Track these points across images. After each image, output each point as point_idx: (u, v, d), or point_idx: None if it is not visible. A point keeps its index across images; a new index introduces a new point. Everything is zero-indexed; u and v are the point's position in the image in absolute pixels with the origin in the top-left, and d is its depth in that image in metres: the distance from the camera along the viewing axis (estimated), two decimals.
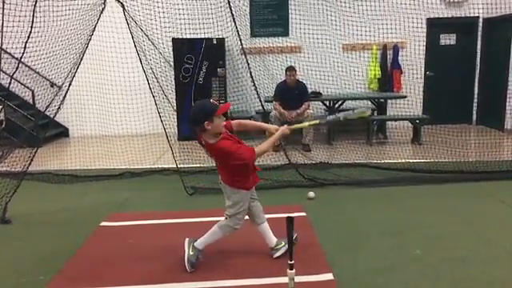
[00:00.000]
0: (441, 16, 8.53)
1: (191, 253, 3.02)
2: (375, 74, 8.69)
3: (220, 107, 2.79)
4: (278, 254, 3.13)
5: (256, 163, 3.10)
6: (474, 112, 8.93)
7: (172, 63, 7.84)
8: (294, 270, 2.47)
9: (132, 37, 5.26)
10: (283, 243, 3.11)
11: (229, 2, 4.97)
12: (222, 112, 2.81)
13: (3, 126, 7.21)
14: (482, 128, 8.45)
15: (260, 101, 5.60)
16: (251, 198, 3.08)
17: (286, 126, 3.05)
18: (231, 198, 2.99)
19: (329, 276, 2.89)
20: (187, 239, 3.11)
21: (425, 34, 8.56)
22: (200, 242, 3.07)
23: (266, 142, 2.95)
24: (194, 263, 3.01)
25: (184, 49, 7.71)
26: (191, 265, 2.99)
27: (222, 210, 3.10)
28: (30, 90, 7.80)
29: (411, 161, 6.01)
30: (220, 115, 2.80)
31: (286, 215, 2.46)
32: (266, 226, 3.17)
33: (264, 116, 7.88)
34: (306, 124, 3.49)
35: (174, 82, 7.85)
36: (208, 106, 2.79)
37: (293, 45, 8.59)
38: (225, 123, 2.91)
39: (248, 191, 3.01)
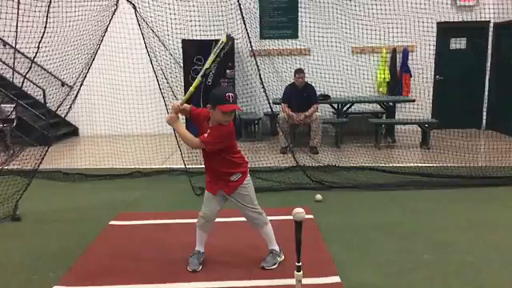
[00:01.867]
0: (451, 20, 8.49)
1: (190, 257, 3.10)
2: (384, 78, 8.66)
3: (223, 106, 2.74)
4: (265, 264, 3.07)
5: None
6: (484, 117, 8.87)
7: (181, 64, 7.89)
8: (301, 272, 2.49)
9: (143, 38, 5.32)
10: (273, 257, 3.09)
11: (239, 4, 5.00)
12: (223, 111, 2.75)
13: (15, 124, 7.30)
14: (492, 133, 8.38)
15: (269, 103, 5.62)
16: (242, 206, 3.03)
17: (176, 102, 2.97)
18: None
19: (336, 279, 2.90)
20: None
21: (435, 38, 8.52)
22: (196, 245, 3.13)
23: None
24: (196, 263, 3.05)
25: (193, 50, 7.76)
26: (191, 265, 3.04)
27: (229, 210, 3.13)
28: (42, 89, 7.89)
29: (419, 165, 5.99)
30: (224, 112, 2.76)
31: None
32: (260, 232, 3.12)
33: (272, 118, 7.91)
34: (191, 89, 3.07)
35: (183, 83, 7.90)
36: (218, 96, 2.78)
37: (302, 47, 8.60)
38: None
39: (208, 193, 3.05)
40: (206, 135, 2.84)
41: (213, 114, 2.83)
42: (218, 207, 3.06)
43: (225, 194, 3.02)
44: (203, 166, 3.09)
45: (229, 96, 2.76)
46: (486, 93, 8.82)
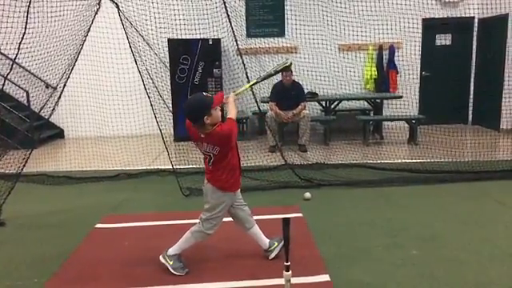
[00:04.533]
0: (436, 16, 8.55)
1: (170, 262, 3.00)
2: (371, 75, 8.69)
3: (215, 100, 2.77)
4: (273, 254, 3.12)
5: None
6: (470, 112, 8.96)
7: (167, 64, 7.82)
8: (290, 272, 2.46)
9: (127, 37, 5.24)
10: (276, 243, 3.11)
11: (224, 3, 4.96)
12: (218, 104, 2.78)
13: None
14: (478, 128, 8.47)
15: (256, 101, 5.59)
16: (238, 205, 3.04)
17: (231, 94, 3.03)
18: (211, 201, 2.94)
19: (325, 277, 2.88)
20: (160, 256, 3.06)
21: (420, 35, 8.57)
22: (172, 249, 3.03)
23: (230, 110, 2.96)
24: (181, 266, 2.99)
25: (180, 49, 7.70)
26: (180, 269, 2.98)
27: None
28: (25, 90, 7.75)
29: (407, 161, 6.02)
30: (219, 104, 2.79)
31: (282, 216, 2.45)
32: (256, 229, 3.14)
33: (260, 116, 7.88)
34: (246, 86, 3.22)
35: (169, 83, 7.83)
36: (204, 101, 2.75)
37: (289, 45, 8.58)
38: None
39: (232, 194, 2.97)
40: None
41: (209, 120, 2.74)
42: None
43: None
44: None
45: (207, 94, 2.84)
46: (472, 88, 8.90)
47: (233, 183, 2.95)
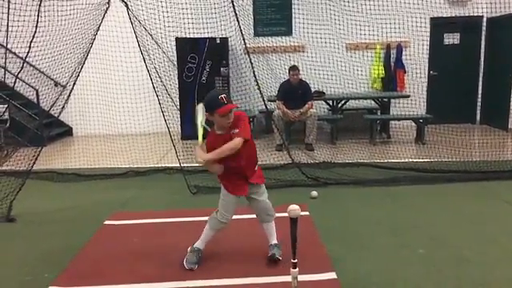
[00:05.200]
0: (444, 15, 8.50)
1: (190, 252, 3.08)
2: (379, 74, 8.67)
3: (220, 108, 2.75)
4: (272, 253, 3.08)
5: (259, 163, 3.11)
6: (478, 111, 8.90)
7: (175, 62, 7.86)
8: (297, 269, 2.49)
9: (136, 36, 5.28)
10: (278, 251, 3.08)
11: (232, 2, 4.97)
12: (221, 113, 2.76)
13: (8, 125, 7.25)
14: (486, 128, 8.42)
15: (263, 100, 5.61)
16: (252, 198, 3.06)
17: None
18: (220, 194, 3.05)
19: (332, 275, 2.89)
20: (190, 248, 3.14)
21: (428, 34, 8.54)
22: (197, 243, 3.11)
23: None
24: (194, 262, 3.03)
25: (187, 48, 7.73)
26: (189, 263, 3.03)
27: None
28: (35, 89, 7.84)
29: (415, 160, 6.00)
30: (223, 115, 2.77)
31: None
32: (267, 225, 3.14)
33: (267, 115, 7.89)
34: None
35: (177, 82, 7.87)
36: (212, 101, 2.79)
37: (296, 44, 8.59)
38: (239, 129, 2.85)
39: (232, 195, 2.99)
40: (237, 131, 2.83)
41: (215, 121, 2.84)
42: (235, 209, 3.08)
43: (256, 184, 3.03)
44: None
45: (222, 98, 2.78)
46: (480, 88, 8.85)
47: (227, 186, 2.99)
